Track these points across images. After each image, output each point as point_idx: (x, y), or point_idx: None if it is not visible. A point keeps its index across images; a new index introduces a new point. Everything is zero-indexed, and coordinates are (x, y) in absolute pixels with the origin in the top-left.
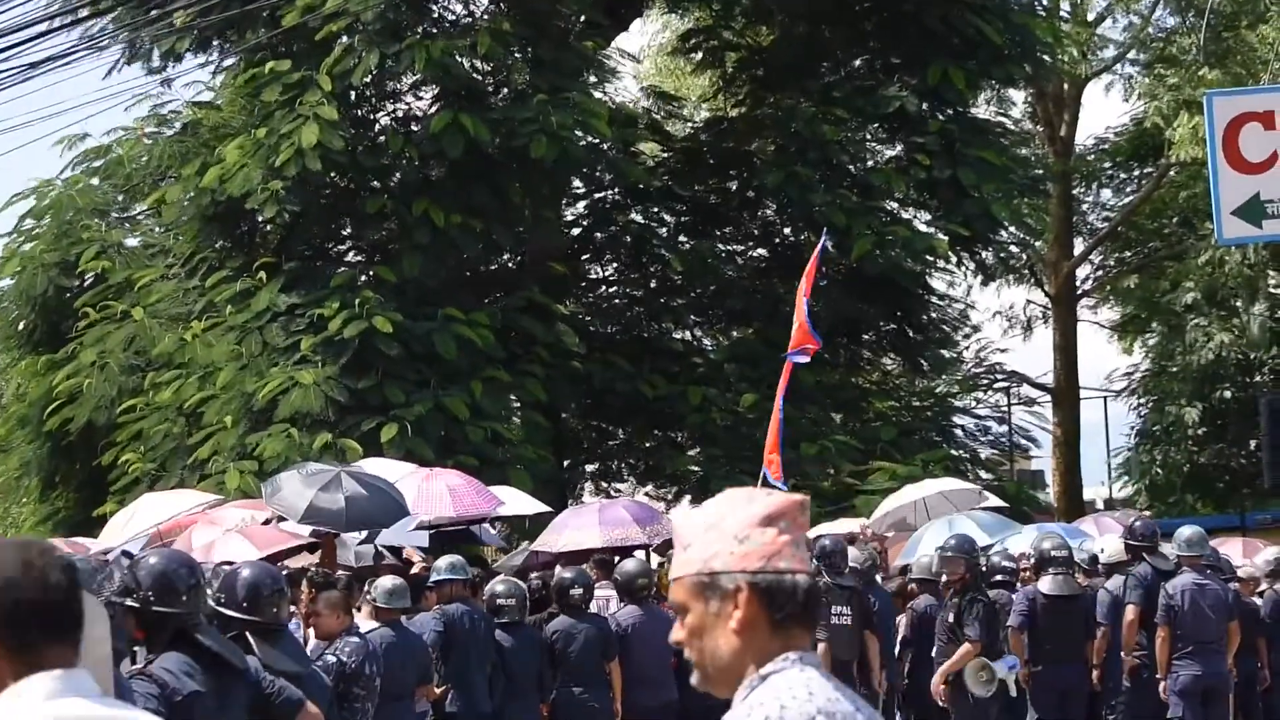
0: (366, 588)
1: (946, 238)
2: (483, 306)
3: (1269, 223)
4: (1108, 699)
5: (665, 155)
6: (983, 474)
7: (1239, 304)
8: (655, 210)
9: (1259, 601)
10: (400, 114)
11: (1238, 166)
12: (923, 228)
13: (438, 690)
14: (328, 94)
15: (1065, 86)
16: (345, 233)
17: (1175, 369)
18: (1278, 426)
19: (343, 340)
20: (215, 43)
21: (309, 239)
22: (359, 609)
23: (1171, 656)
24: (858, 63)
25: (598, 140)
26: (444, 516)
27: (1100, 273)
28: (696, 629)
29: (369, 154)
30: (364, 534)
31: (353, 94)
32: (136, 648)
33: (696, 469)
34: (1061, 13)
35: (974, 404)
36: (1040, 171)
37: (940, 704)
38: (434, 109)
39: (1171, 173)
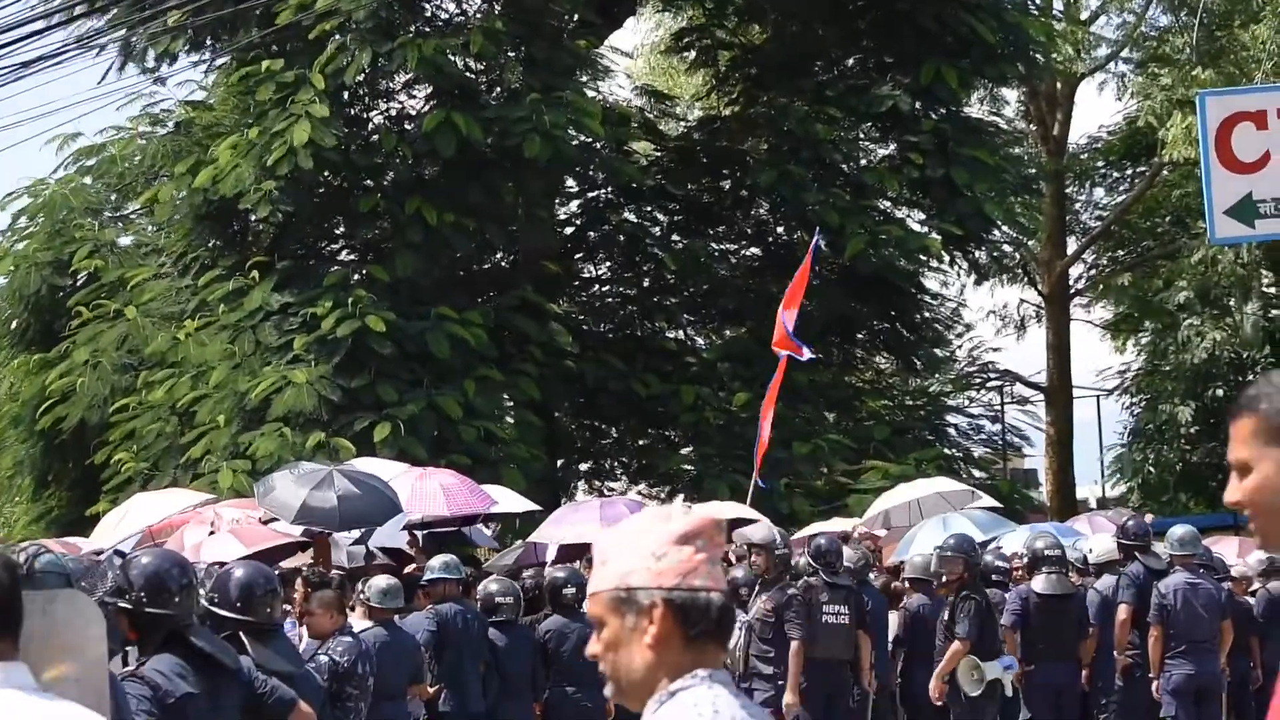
0: (360, 587)
1: (939, 237)
2: (476, 306)
3: (1261, 222)
4: (1098, 698)
5: (658, 154)
6: (976, 473)
7: (1232, 303)
8: (648, 209)
9: (1252, 600)
10: (393, 113)
11: (1230, 166)
12: (916, 227)
13: (431, 690)
14: (320, 92)
15: (1058, 85)
16: (338, 232)
17: (1168, 368)
18: None
19: (335, 339)
20: (208, 42)
21: (302, 238)
22: (353, 609)
23: (1164, 656)
24: (850, 62)
25: (591, 139)
26: (438, 515)
27: (1093, 272)
28: (612, 643)
29: (362, 153)
30: (357, 534)
31: (345, 93)
32: (128, 648)
33: (690, 468)
34: (1055, 11)
35: (967, 403)
36: (1033, 170)
37: (937, 704)
38: (427, 108)
39: (1164, 172)
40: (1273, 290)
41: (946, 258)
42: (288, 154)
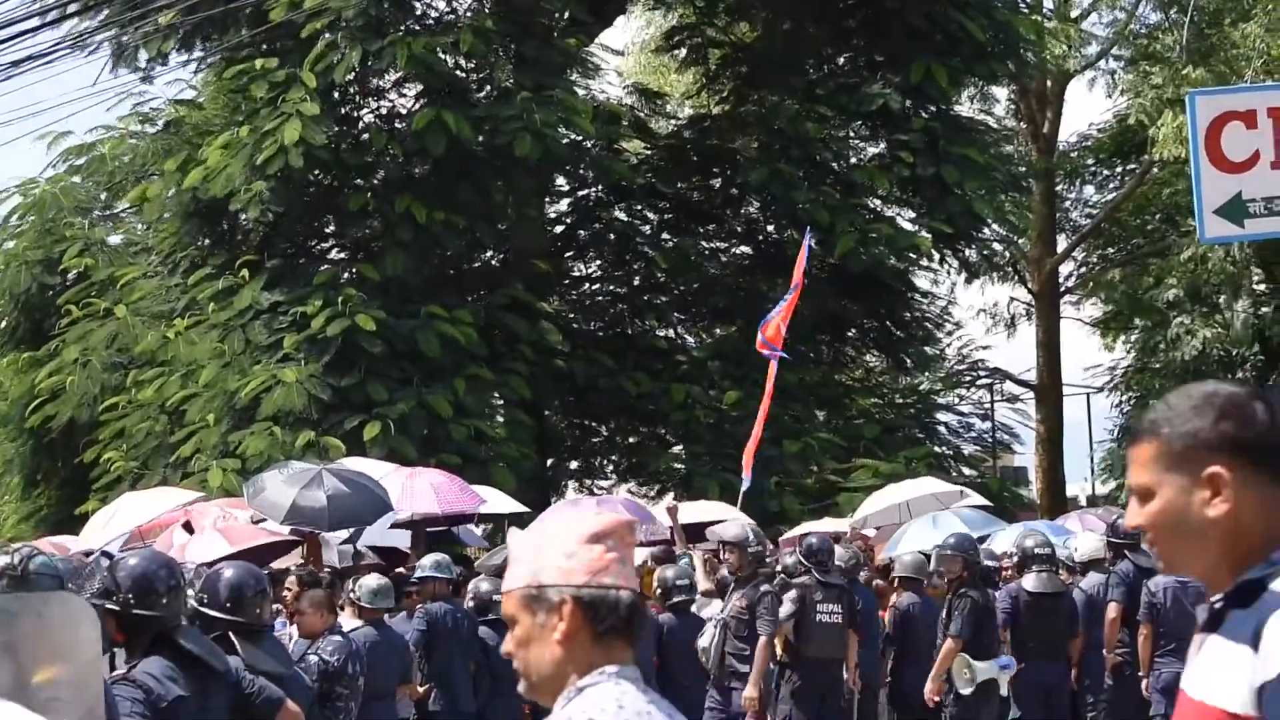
0: (350, 586)
1: (930, 235)
2: (466, 304)
3: (1251, 222)
4: (1085, 697)
5: (648, 152)
6: (965, 471)
7: (1222, 301)
8: (639, 208)
9: None
10: (384, 111)
11: (1220, 166)
12: (906, 225)
13: (421, 689)
14: (311, 91)
15: (1048, 83)
16: (328, 230)
17: (1158, 365)
18: None
19: (325, 338)
20: (198, 41)
21: (291, 236)
22: (342, 608)
23: (1154, 654)
24: (841, 60)
25: (581, 138)
26: (430, 513)
27: (1083, 269)
28: (523, 640)
29: (352, 151)
30: (347, 533)
31: (335, 91)
32: (115, 650)
33: (680, 466)
34: (1045, 9)
35: (957, 401)
36: (1023, 169)
37: (932, 704)
38: (417, 106)
39: (1154, 169)
40: (1263, 288)
41: (936, 256)
42: (278, 153)
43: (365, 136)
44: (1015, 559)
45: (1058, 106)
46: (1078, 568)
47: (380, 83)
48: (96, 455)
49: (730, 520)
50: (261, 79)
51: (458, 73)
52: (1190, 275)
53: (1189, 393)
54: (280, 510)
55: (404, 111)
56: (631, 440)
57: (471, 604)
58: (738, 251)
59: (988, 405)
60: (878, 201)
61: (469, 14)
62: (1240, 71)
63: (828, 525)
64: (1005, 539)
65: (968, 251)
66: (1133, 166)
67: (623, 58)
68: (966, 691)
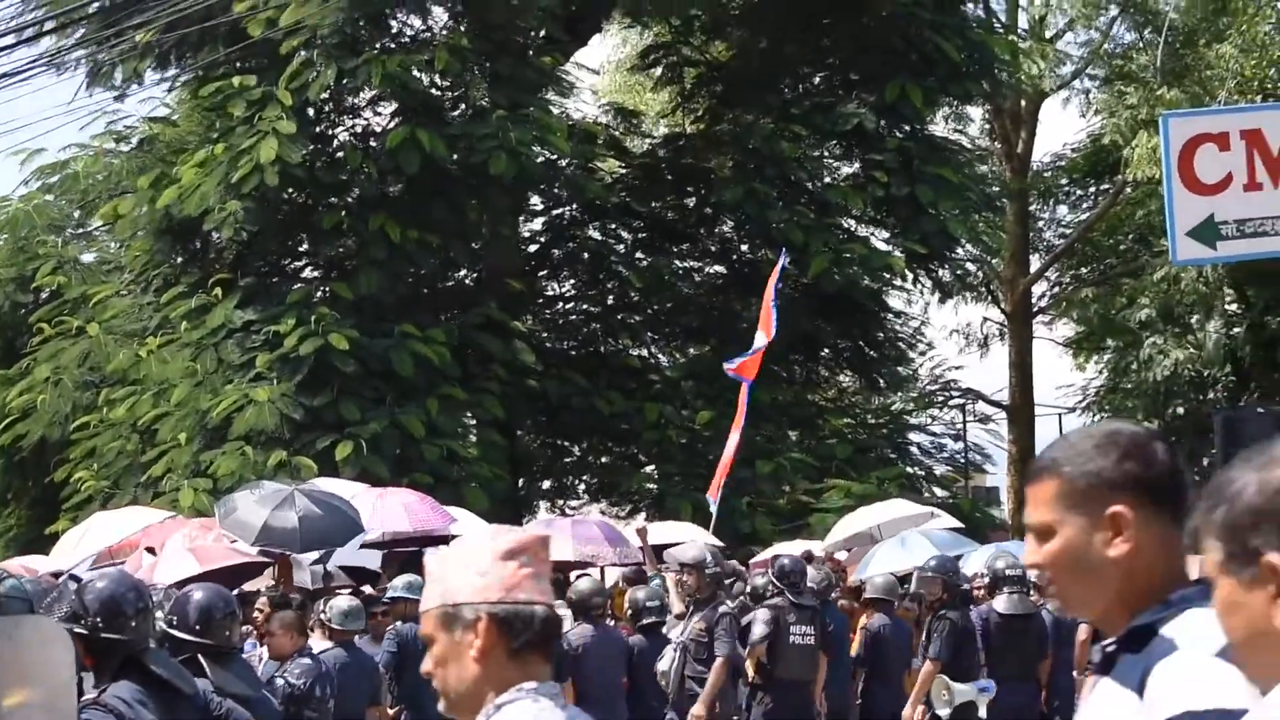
0: (321, 608)
1: (903, 255)
2: (439, 323)
3: (1223, 244)
4: (1055, 718)
5: (623, 171)
6: (938, 491)
7: (1194, 321)
8: (613, 227)
9: None
10: (358, 129)
11: (1192, 188)
12: (880, 245)
13: (390, 711)
14: (287, 109)
15: (1022, 103)
16: (302, 249)
17: (1130, 386)
18: (1232, 443)
19: (298, 357)
20: (173, 59)
21: (265, 255)
22: (313, 629)
23: None
24: (816, 79)
25: (556, 156)
26: (400, 531)
27: (1056, 289)
28: (441, 658)
29: (327, 170)
30: (318, 554)
31: (310, 109)
32: (82, 674)
33: (653, 486)
34: (1020, 29)
35: (929, 421)
36: (997, 188)
37: None
38: (392, 124)
39: (1128, 189)
40: (1235, 308)
41: (910, 276)
42: (254, 171)
43: (340, 155)
44: (986, 580)
45: (1032, 126)
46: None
47: (355, 101)
48: (67, 474)
49: (689, 542)
50: (239, 96)
51: (433, 91)
52: (1163, 295)
53: (1089, 432)
54: (252, 531)
55: (379, 130)
56: (604, 460)
57: None
58: (712, 271)
59: (960, 425)
60: (852, 221)
61: (444, 32)
62: (1214, 92)
63: (798, 546)
64: (976, 560)
65: (941, 271)
66: (1106, 186)
67: (598, 76)
68: (945, 713)
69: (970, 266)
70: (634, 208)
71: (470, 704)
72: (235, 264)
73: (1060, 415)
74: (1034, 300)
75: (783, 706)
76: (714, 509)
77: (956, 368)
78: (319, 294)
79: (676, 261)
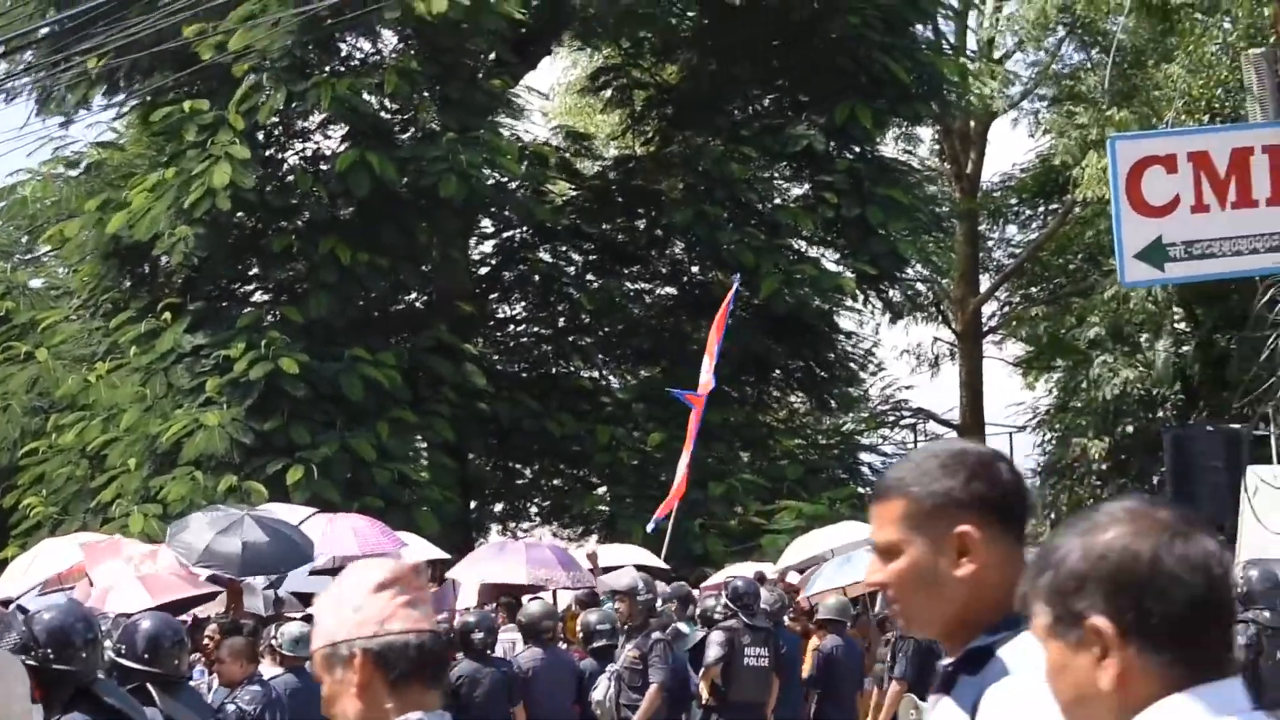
0: (272, 634)
1: (854, 276)
2: (390, 346)
3: (1171, 266)
4: None
5: (574, 194)
6: None
7: (1144, 340)
8: (563, 249)
9: None
10: (308, 153)
11: (1140, 210)
12: (830, 266)
13: None
14: (239, 133)
15: (972, 124)
16: (251, 272)
17: (1079, 404)
18: (1181, 461)
19: (248, 381)
20: (122, 84)
21: (215, 279)
22: (264, 656)
23: None
24: (766, 101)
25: (506, 179)
26: (350, 556)
27: (1006, 309)
28: (329, 698)
29: (277, 193)
30: (269, 579)
31: (260, 133)
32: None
33: (604, 508)
34: (969, 50)
35: (880, 441)
36: (946, 208)
37: None
38: (342, 148)
39: (1076, 209)
40: (1184, 327)
41: (860, 296)
42: (205, 195)
43: (290, 178)
44: None
45: (981, 147)
46: None
47: (305, 124)
48: (16, 500)
49: (622, 569)
50: (190, 121)
51: (382, 114)
52: (1112, 315)
53: (935, 451)
54: (195, 552)
55: (329, 153)
56: (555, 482)
57: None
58: (662, 293)
59: (911, 445)
60: (802, 242)
61: (393, 55)
62: (1162, 112)
63: (750, 568)
64: None
65: (891, 292)
66: (1055, 206)
67: (548, 100)
68: None
69: (920, 287)
70: (584, 230)
71: None
72: (184, 288)
73: (1011, 434)
74: (984, 320)
75: None
76: (650, 527)
77: (907, 388)
78: (269, 318)
79: (627, 283)
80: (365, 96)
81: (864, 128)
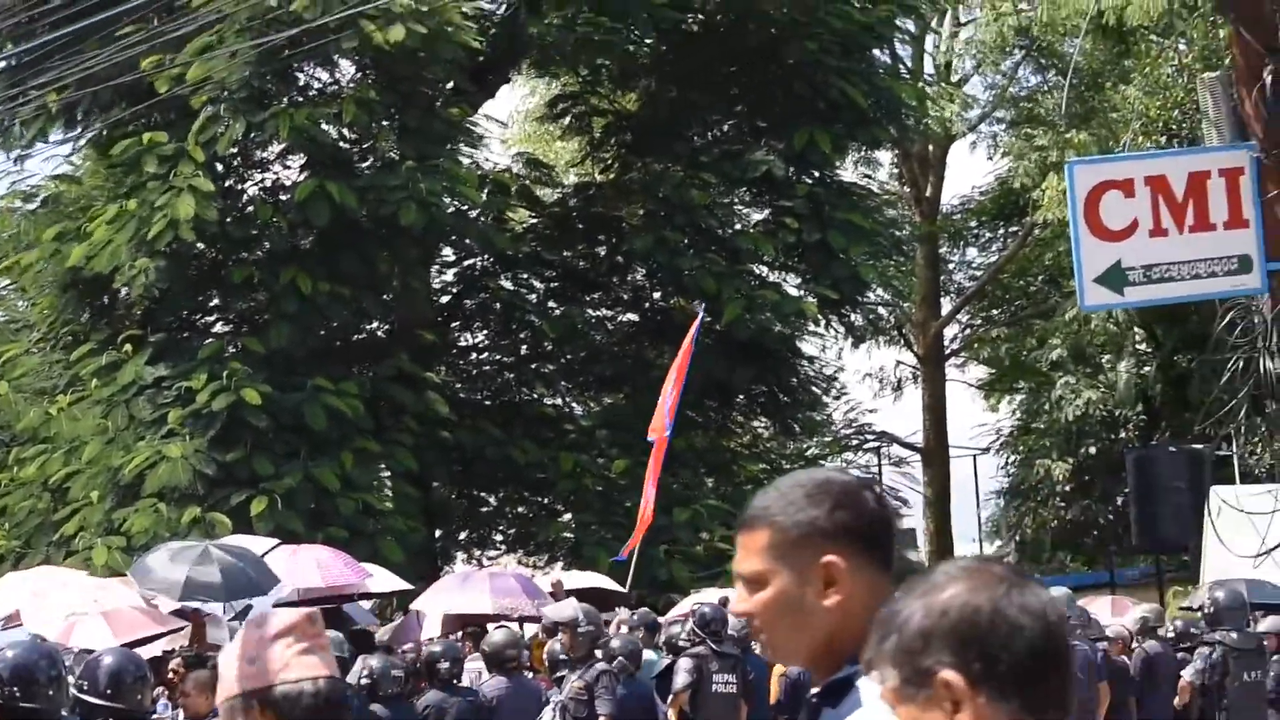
0: None
1: (815, 300)
2: (352, 376)
3: (1130, 289)
4: None
5: (534, 221)
6: None
7: (1105, 361)
8: (524, 276)
9: (1128, 660)
10: (268, 183)
11: (1099, 234)
12: (792, 291)
13: None
14: (201, 165)
15: (930, 148)
16: (212, 303)
17: (1042, 426)
18: (1144, 482)
19: (211, 412)
20: (79, 117)
21: (176, 310)
22: None
23: None
24: (725, 127)
25: (466, 207)
26: (314, 588)
27: (968, 332)
28: None
29: (237, 224)
30: (235, 611)
31: (219, 164)
32: None
33: (569, 535)
34: (926, 73)
35: (844, 465)
36: (907, 231)
37: None
38: (301, 177)
39: (1036, 231)
40: (1145, 348)
41: (822, 321)
42: (168, 227)
43: (250, 209)
44: None
45: (940, 170)
46: None
47: (264, 154)
48: None
49: (563, 601)
50: (150, 153)
51: (341, 143)
52: (1074, 336)
53: (801, 481)
54: (176, 587)
55: (288, 183)
56: (520, 510)
57: (366, 682)
58: (624, 319)
59: (875, 469)
60: (763, 268)
61: (351, 85)
62: (1120, 134)
63: (715, 594)
64: None
65: (853, 316)
66: (1015, 229)
67: (506, 128)
68: None
69: (882, 311)
70: (545, 257)
71: None
72: (145, 320)
73: (975, 456)
74: (946, 343)
75: None
76: (620, 559)
77: (870, 411)
78: (230, 349)
79: (589, 310)
80: (324, 126)
81: (823, 152)
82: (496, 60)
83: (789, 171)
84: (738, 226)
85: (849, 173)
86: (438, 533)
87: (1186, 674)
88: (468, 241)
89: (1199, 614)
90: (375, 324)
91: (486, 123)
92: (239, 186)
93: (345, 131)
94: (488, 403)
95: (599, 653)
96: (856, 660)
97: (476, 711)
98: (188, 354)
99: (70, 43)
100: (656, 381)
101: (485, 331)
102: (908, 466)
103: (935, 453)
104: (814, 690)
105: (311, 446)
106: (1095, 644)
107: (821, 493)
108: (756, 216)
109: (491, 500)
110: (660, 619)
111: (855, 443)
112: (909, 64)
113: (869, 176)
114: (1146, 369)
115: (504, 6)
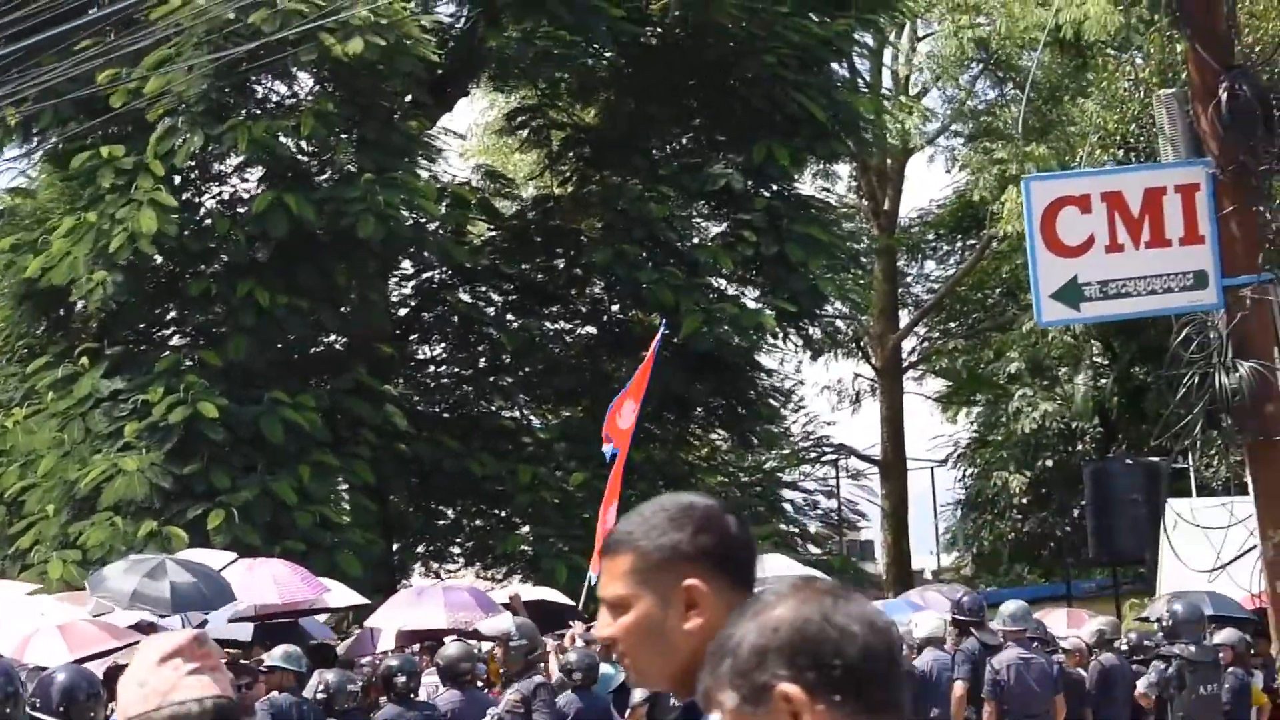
0: None
1: (773, 313)
2: (309, 389)
3: (1086, 305)
4: None
5: (493, 234)
6: (812, 549)
7: (1062, 374)
8: (483, 289)
9: (1084, 672)
10: (226, 196)
11: (1056, 250)
12: (750, 304)
13: None
14: (160, 179)
15: (888, 161)
16: (169, 317)
17: (999, 438)
18: (1101, 494)
19: (167, 426)
20: (34, 130)
21: (133, 323)
22: None
23: None
24: (684, 140)
25: (425, 219)
26: (269, 604)
27: (925, 344)
28: None
29: (194, 237)
30: (192, 626)
31: (177, 176)
32: None
33: (527, 548)
34: (885, 86)
35: (802, 478)
36: (865, 244)
37: None
38: (259, 190)
39: (994, 244)
40: (1102, 361)
41: (781, 334)
42: (128, 240)
43: (207, 221)
44: None
45: (898, 183)
46: (915, 645)
47: (222, 167)
48: None
49: (498, 616)
50: (108, 166)
51: (299, 156)
52: (1031, 349)
53: (663, 505)
54: (124, 596)
55: (246, 196)
56: (478, 523)
57: (322, 697)
58: (583, 332)
59: (833, 482)
60: (722, 281)
61: (310, 98)
62: (1078, 148)
63: None
64: None
65: (811, 329)
66: (973, 242)
67: (465, 140)
68: None
69: (840, 323)
70: (503, 270)
71: None
72: (102, 332)
73: (932, 469)
74: (904, 355)
75: None
76: (593, 580)
77: (829, 424)
78: (187, 362)
79: (547, 323)
80: (282, 139)
81: (781, 166)
82: (455, 73)
83: (747, 185)
84: (696, 240)
85: (807, 186)
86: (395, 546)
87: (1141, 685)
88: (426, 254)
89: (1155, 626)
90: (333, 337)
91: (445, 136)
92: (196, 199)
93: (304, 144)
94: (446, 415)
95: (556, 666)
96: None
97: None
98: (145, 367)
99: (25, 57)
100: (615, 394)
101: (443, 344)
102: (865, 479)
103: (893, 465)
104: (671, 716)
105: (269, 460)
106: (1051, 656)
107: (684, 516)
108: (715, 230)
109: (449, 513)
110: None
111: (813, 455)
112: (867, 78)
113: (827, 190)
114: (1103, 382)
115: (463, 20)
